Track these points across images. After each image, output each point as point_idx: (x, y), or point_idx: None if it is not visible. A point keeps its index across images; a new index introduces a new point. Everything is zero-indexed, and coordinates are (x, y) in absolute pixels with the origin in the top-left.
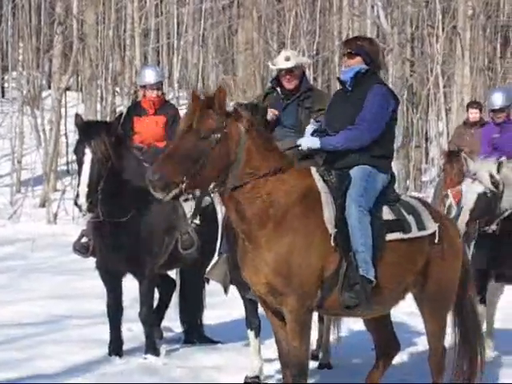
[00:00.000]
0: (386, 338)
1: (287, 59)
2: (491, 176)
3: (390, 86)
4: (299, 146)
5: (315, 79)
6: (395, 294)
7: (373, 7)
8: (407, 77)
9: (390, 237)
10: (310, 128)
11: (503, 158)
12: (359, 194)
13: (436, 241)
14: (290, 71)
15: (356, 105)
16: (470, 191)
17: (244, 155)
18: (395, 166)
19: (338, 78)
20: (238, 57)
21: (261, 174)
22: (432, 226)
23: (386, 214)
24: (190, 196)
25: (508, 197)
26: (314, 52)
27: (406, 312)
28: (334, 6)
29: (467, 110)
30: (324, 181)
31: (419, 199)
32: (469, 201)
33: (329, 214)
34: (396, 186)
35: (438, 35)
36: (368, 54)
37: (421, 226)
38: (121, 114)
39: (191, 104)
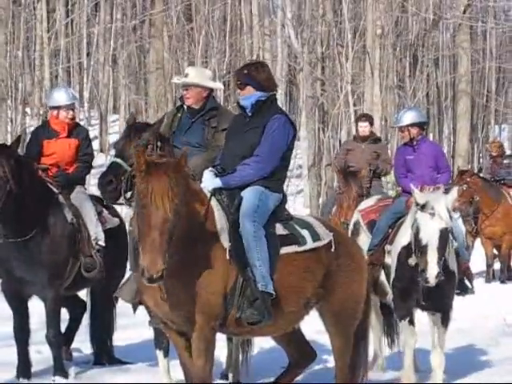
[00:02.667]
0: (299, 348)
1: (185, 75)
2: (448, 211)
3: (301, 104)
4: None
5: (226, 98)
6: (297, 308)
7: (283, 26)
8: (318, 96)
9: (285, 250)
10: (208, 172)
11: (454, 191)
12: (253, 210)
13: (332, 249)
14: (186, 88)
15: (255, 133)
16: (432, 228)
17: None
18: (307, 184)
19: (238, 103)
20: (149, 76)
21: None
22: (327, 236)
23: (280, 230)
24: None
25: None
26: (224, 71)
27: (317, 330)
28: (244, 26)
29: (356, 124)
30: (216, 200)
31: (314, 217)
32: (432, 238)
33: (223, 229)
34: (308, 204)
35: (347, 54)
36: (257, 81)
37: (316, 237)
38: (19, 136)
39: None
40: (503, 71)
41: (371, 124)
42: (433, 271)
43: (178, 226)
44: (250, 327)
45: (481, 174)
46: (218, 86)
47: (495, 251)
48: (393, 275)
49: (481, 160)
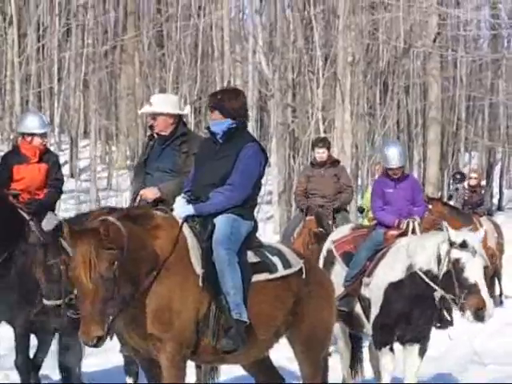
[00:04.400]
0: (268, 376)
1: (150, 104)
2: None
3: (272, 130)
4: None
5: (197, 125)
6: (268, 336)
7: (254, 53)
8: (289, 122)
9: (256, 278)
10: (181, 199)
11: (482, 231)
12: (226, 237)
13: (303, 276)
14: (153, 117)
15: (227, 161)
16: (477, 266)
17: (132, 248)
18: (277, 211)
19: (208, 128)
20: (119, 102)
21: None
22: (298, 263)
23: (251, 257)
24: None
25: None
26: (195, 97)
27: (286, 357)
28: (215, 52)
29: (313, 150)
30: (189, 227)
31: (284, 244)
32: (480, 277)
33: (195, 256)
34: (278, 230)
35: (318, 81)
36: (226, 109)
37: (286, 264)
38: None
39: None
40: (473, 99)
41: (328, 149)
42: (490, 309)
43: (125, 277)
44: (224, 355)
45: (451, 202)
46: (184, 111)
47: None
48: (377, 310)
49: (451, 187)
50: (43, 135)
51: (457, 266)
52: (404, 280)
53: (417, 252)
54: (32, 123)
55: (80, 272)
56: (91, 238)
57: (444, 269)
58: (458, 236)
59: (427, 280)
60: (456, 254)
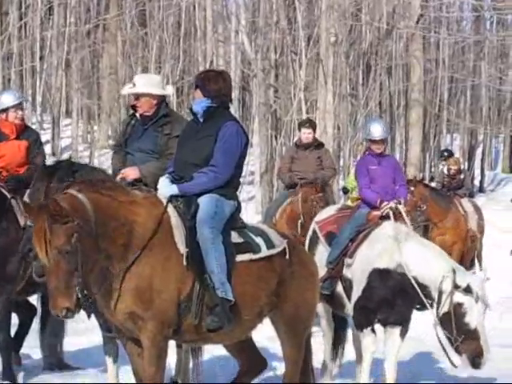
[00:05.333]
0: (250, 357)
1: (133, 85)
2: None
3: (254, 110)
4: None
5: (180, 104)
6: (252, 316)
7: (237, 33)
8: (271, 103)
9: (240, 258)
10: (164, 179)
11: (481, 274)
12: (210, 216)
13: (286, 257)
14: (136, 97)
15: (208, 141)
16: (479, 313)
17: (100, 219)
18: (259, 191)
19: (191, 109)
20: (102, 81)
21: (121, 222)
22: (281, 244)
23: (235, 237)
24: None
25: None
26: (178, 77)
27: (268, 336)
28: (198, 32)
29: (299, 130)
30: (173, 206)
31: (266, 224)
32: (480, 323)
33: (179, 235)
34: (260, 210)
35: (301, 62)
36: (207, 89)
37: (270, 244)
38: None
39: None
40: (455, 81)
41: (314, 130)
42: (487, 358)
43: (90, 251)
44: (207, 334)
45: (433, 184)
46: (167, 92)
47: None
48: (359, 293)
49: (433, 169)
50: (17, 107)
51: (458, 310)
52: (391, 272)
53: (416, 262)
54: (5, 98)
55: (38, 249)
56: (44, 214)
57: (445, 309)
58: (463, 279)
59: (420, 293)
60: (459, 297)
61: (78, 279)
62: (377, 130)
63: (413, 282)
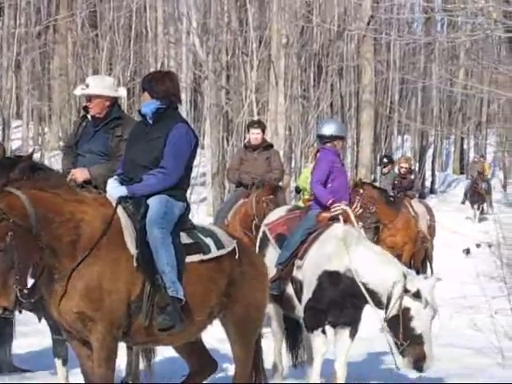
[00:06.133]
0: (200, 359)
1: (86, 86)
2: None
3: (205, 112)
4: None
5: (130, 106)
6: (203, 317)
7: (188, 34)
8: (223, 104)
9: (190, 259)
10: (113, 181)
11: (433, 279)
12: (160, 217)
13: (236, 257)
14: (89, 99)
15: (158, 142)
16: (426, 318)
17: (41, 215)
18: (211, 192)
19: (139, 111)
20: (52, 83)
21: (66, 217)
22: (230, 244)
23: (184, 239)
24: None
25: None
26: (128, 79)
27: (218, 338)
28: (149, 33)
29: (248, 131)
30: (122, 207)
31: (217, 226)
32: (427, 328)
33: (129, 236)
34: (211, 212)
35: (252, 63)
36: (155, 91)
37: (219, 245)
38: None
39: None
40: (406, 82)
41: (263, 131)
42: (431, 362)
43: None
44: (158, 336)
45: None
46: (120, 93)
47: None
48: (309, 295)
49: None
50: None
51: (406, 315)
52: (341, 274)
53: (366, 269)
54: None
55: None
56: None
57: (393, 312)
58: (413, 284)
59: (368, 297)
60: (408, 302)
61: (15, 277)
62: (339, 128)
63: (362, 288)
